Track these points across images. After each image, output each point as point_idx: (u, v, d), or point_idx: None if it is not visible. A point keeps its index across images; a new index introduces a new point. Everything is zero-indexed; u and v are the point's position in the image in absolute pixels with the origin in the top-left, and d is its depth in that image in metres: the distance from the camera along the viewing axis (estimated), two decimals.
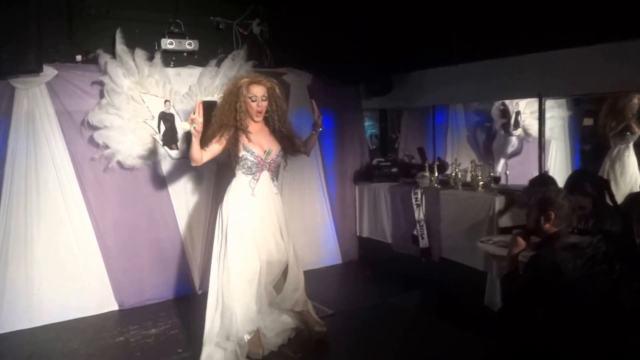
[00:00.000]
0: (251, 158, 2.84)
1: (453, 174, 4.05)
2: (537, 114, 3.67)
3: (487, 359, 2.66)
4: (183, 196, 3.92)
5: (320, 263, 4.51)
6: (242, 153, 2.83)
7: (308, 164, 4.32)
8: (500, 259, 2.90)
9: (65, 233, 3.51)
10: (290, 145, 3.02)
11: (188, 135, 3.85)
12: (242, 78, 2.92)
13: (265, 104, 2.88)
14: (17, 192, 3.36)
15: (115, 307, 3.68)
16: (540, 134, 3.62)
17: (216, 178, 3.93)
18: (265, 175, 2.89)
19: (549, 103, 3.64)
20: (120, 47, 3.56)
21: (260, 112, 2.87)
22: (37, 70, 3.26)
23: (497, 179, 3.79)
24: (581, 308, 1.94)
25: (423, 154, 4.53)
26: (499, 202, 3.49)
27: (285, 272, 2.98)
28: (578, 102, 3.82)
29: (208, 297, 2.86)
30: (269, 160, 2.90)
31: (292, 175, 4.10)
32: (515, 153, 4.23)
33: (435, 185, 4.09)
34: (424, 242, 4.02)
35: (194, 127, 2.69)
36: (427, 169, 4.18)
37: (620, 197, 2.74)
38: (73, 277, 3.52)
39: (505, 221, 3.44)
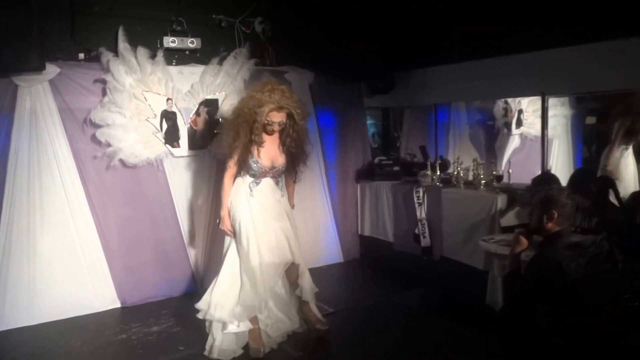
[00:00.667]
0: (255, 167, 2.90)
1: (455, 173, 4.05)
2: (539, 112, 3.66)
3: (489, 358, 2.66)
4: (185, 194, 3.93)
5: (321, 261, 4.52)
6: (249, 162, 2.89)
7: (309, 162, 4.30)
8: (502, 257, 2.89)
9: (67, 231, 3.52)
10: (291, 166, 3.05)
11: (190, 133, 3.88)
12: (267, 103, 2.79)
13: (280, 127, 2.90)
14: (20, 189, 3.37)
15: (118, 305, 3.69)
16: (543, 132, 3.61)
17: (217, 176, 3.93)
18: (267, 180, 2.95)
19: (551, 101, 3.63)
20: (122, 45, 3.56)
21: (274, 131, 2.91)
22: (39, 68, 3.26)
23: (499, 178, 3.79)
24: (583, 307, 1.93)
25: (425, 152, 4.52)
26: (501, 201, 3.48)
27: (288, 275, 2.99)
28: (581, 101, 3.80)
29: (218, 279, 2.88)
30: (272, 171, 2.96)
31: None
32: (518, 151, 4.22)
33: (437, 183, 4.09)
34: (425, 241, 4.02)
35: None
36: (429, 167, 4.18)
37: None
38: (75, 275, 3.54)
39: (507, 220, 3.43)
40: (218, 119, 3.91)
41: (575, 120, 3.89)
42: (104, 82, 3.55)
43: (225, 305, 2.80)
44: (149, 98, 3.67)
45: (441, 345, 2.93)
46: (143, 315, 3.51)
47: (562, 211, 2.16)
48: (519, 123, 4.16)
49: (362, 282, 4.25)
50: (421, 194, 4.06)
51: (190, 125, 3.87)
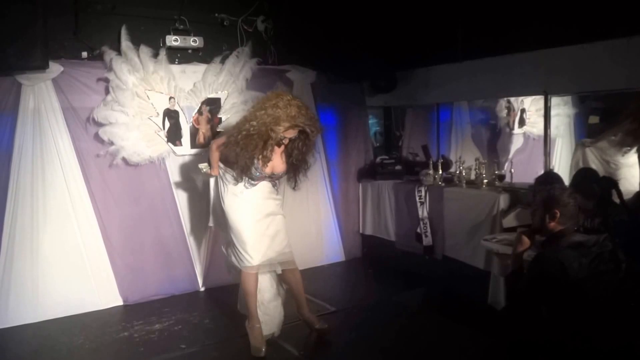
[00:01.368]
0: (256, 173, 2.90)
1: (457, 172, 4.04)
2: (542, 112, 3.65)
3: (491, 357, 2.65)
4: (187, 193, 3.94)
5: (323, 260, 4.52)
6: (251, 170, 2.87)
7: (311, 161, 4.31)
8: (504, 257, 2.89)
9: (70, 229, 3.54)
10: (291, 175, 3.05)
11: (192, 132, 3.88)
12: (284, 121, 2.75)
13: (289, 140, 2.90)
14: (24, 187, 3.39)
15: (120, 303, 3.70)
16: (546, 131, 3.59)
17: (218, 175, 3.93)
18: (264, 182, 2.97)
19: (554, 100, 3.61)
20: (125, 43, 3.57)
21: (284, 145, 2.92)
22: (43, 66, 3.27)
23: (501, 177, 3.78)
24: (586, 307, 1.93)
25: (427, 151, 4.51)
26: (503, 200, 3.47)
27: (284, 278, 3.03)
28: (584, 100, 3.79)
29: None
30: (271, 177, 2.98)
31: None
32: (520, 151, 4.21)
33: (439, 183, 4.08)
34: (427, 240, 4.02)
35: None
36: (431, 166, 4.17)
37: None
38: (78, 273, 3.55)
39: (509, 220, 3.42)
40: (220, 118, 3.92)
41: (578, 120, 3.87)
42: (106, 80, 3.56)
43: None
44: (152, 97, 3.68)
45: (443, 345, 2.93)
46: (145, 313, 3.52)
47: (564, 210, 2.15)
48: (522, 122, 4.15)
49: (364, 281, 4.25)
50: (423, 193, 4.06)
51: (193, 124, 3.88)
